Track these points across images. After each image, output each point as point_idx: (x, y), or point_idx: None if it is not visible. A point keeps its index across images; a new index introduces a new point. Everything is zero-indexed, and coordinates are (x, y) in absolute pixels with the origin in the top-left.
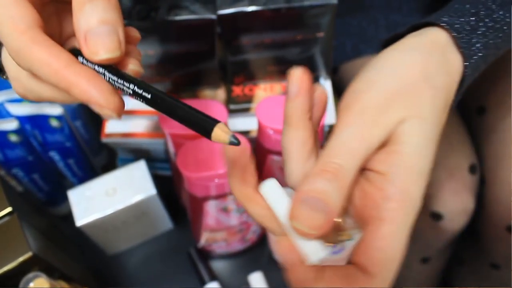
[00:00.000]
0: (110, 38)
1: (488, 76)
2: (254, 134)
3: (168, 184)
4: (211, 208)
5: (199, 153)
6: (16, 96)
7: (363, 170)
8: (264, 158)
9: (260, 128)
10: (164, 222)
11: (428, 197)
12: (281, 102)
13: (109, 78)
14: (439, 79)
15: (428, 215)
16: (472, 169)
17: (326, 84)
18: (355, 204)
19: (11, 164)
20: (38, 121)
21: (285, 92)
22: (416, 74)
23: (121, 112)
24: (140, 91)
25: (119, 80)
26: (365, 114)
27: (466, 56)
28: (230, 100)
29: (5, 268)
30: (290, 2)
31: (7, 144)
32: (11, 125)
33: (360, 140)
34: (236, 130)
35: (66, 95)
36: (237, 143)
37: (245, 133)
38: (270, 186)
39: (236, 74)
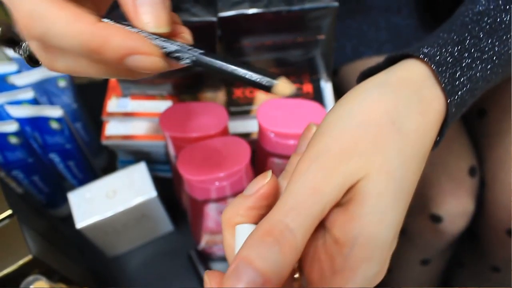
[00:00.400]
0: (161, 7)
1: None
2: (254, 136)
3: (169, 186)
4: (211, 211)
5: (200, 156)
6: (16, 99)
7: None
8: (265, 160)
9: (261, 131)
10: (164, 224)
11: (428, 199)
12: (282, 105)
13: (147, 35)
14: (410, 121)
15: (427, 217)
16: (471, 172)
17: (326, 86)
18: (305, 263)
19: (11, 166)
20: (38, 123)
21: (289, 97)
22: (382, 116)
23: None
24: (195, 52)
25: (160, 38)
26: (320, 161)
27: (448, 93)
28: (230, 102)
29: (5, 271)
30: (290, 4)
31: (7, 146)
32: (11, 127)
33: (313, 194)
34: (237, 132)
35: (86, 63)
36: (299, 95)
37: (245, 135)
38: (244, 229)
39: None
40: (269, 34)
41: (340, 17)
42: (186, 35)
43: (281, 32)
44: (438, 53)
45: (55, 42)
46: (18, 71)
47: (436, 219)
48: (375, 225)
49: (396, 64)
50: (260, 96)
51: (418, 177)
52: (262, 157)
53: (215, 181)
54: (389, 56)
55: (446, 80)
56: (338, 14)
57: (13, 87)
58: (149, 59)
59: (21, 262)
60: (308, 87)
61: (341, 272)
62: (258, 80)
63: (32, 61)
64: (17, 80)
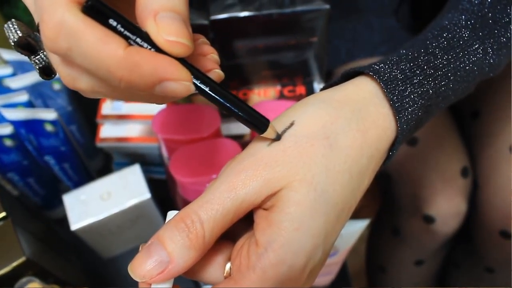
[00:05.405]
0: (182, 25)
1: (483, 80)
2: (247, 138)
3: (163, 187)
4: None
5: (192, 158)
6: (11, 101)
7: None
8: None
9: (253, 133)
10: (159, 225)
11: (420, 200)
12: (273, 107)
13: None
14: (345, 137)
15: (420, 218)
16: (464, 172)
17: (320, 88)
18: (232, 256)
19: (6, 169)
20: (33, 126)
21: (279, 97)
22: (317, 130)
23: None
24: (197, 82)
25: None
26: (245, 163)
27: (396, 110)
28: None
29: None
30: (282, 7)
31: (2, 149)
32: (6, 130)
33: (229, 191)
34: (230, 134)
35: (112, 86)
36: (279, 139)
37: (238, 137)
38: (173, 215)
39: (230, 79)
40: (262, 37)
41: (334, 19)
42: (215, 55)
43: (273, 34)
44: (389, 70)
45: (79, 61)
46: (13, 74)
47: (429, 219)
48: (290, 232)
49: (349, 80)
50: (254, 98)
51: (353, 192)
52: None
53: (207, 183)
54: (343, 72)
55: (395, 97)
56: (332, 16)
57: (8, 90)
58: (181, 85)
59: (14, 263)
60: (301, 89)
61: (253, 269)
62: (255, 120)
63: (45, 74)
64: (12, 83)
